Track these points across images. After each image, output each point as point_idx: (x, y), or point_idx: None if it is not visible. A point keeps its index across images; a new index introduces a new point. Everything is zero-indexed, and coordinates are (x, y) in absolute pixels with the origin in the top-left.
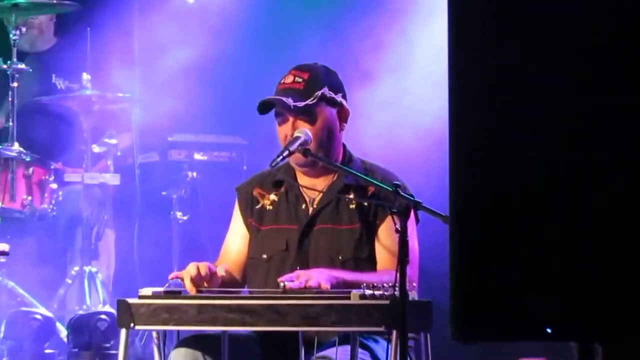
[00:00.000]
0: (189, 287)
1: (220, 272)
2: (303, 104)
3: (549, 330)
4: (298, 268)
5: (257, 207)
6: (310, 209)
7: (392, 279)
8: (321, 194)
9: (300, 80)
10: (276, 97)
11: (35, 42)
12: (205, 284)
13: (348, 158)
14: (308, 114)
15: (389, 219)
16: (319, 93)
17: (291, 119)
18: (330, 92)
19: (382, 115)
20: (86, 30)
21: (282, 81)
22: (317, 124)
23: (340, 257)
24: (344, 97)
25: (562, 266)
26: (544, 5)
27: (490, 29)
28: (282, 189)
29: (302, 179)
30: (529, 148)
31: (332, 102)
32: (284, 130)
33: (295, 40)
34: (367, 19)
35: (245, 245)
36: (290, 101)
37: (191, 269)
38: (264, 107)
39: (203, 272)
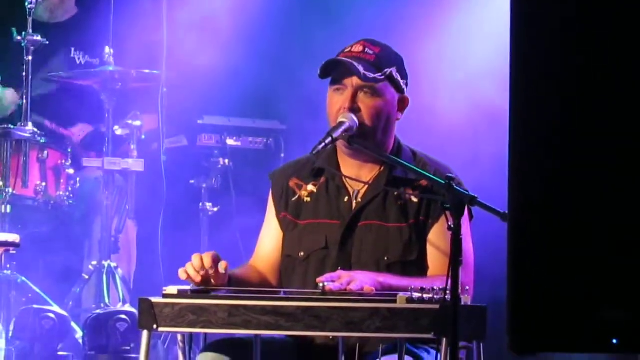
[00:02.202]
0: (193, 274)
1: (221, 268)
2: (373, 75)
3: (614, 342)
4: (339, 269)
5: (294, 199)
6: (354, 203)
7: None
8: (367, 187)
9: (371, 52)
10: (347, 59)
11: (55, 11)
12: (212, 280)
13: (397, 147)
14: (373, 89)
15: (443, 218)
16: (388, 71)
17: (351, 90)
18: (398, 75)
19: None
20: (110, 1)
21: (348, 49)
22: (379, 102)
23: (386, 259)
24: (407, 85)
25: (632, 276)
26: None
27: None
28: (322, 179)
29: (347, 167)
30: (596, 150)
31: (397, 86)
32: (339, 102)
33: (341, 14)
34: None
35: (278, 243)
36: (360, 68)
37: (194, 260)
38: (326, 69)
39: (206, 262)
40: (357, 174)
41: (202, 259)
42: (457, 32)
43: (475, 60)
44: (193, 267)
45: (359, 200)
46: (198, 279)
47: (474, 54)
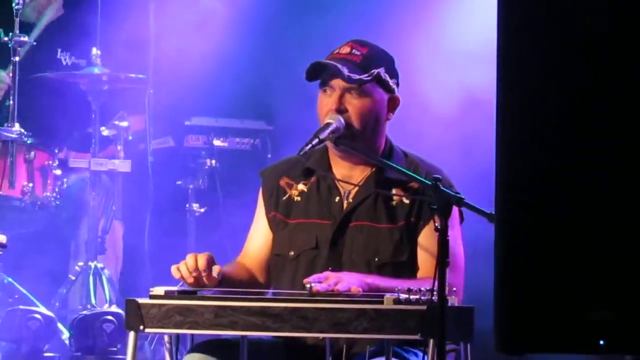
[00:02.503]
0: (186, 274)
1: (214, 273)
2: (358, 77)
3: (602, 343)
4: (330, 269)
5: (284, 198)
6: (345, 203)
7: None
8: (358, 187)
9: (358, 53)
10: (331, 62)
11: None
12: (205, 280)
13: (389, 149)
14: (359, 90)
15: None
16: (375, 71)
17: (338, 92)
18: (386, 75)
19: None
20: (97, 1)
21: (336, 51)
22: (366, 103)
23: (377, 260)
24: (397, 85)
25: (620, 277)
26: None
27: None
28: (313, 179)
29: (338, 168)
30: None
31: (386, 86)
32: (327, 104)
33: (327, 16)
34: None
35: (267, 242)
36: (345, 70)
37: (188, 260)
38: (312, 72)
39: (201, 264)
40: (349, 175)
41: (196, 260)
42: (450, 23)
43: (471, 49)
44: (187, 267)
45: (350, 200)
46: (190, 279)
47: (470, 43)
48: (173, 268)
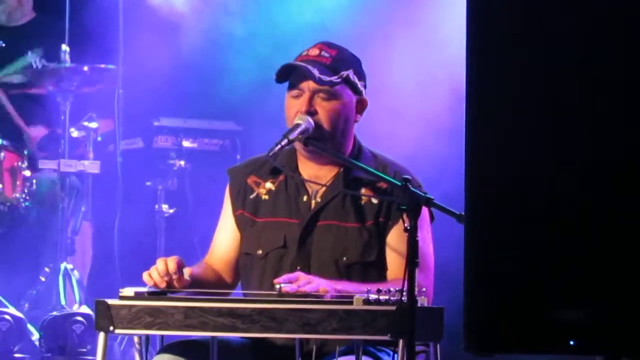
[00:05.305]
0: (158, 280)
1: (186, 275)
2: (328, 79)
3: (572, 343)
4: (298, 268)
5: (252, 196)
6: (313, 202)
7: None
8: (326, 186)
9: (327, 55)
10: (301, 64)
11: (13, 14)
12: (176, 284)
13: (357, 149)
14: (329, 92)
15: (402, 220)
16: (344, 73)
17: (308, 94)
18: (355, 77)
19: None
20: (65, 3)
21: (305, 53)
22: (336, 105)
23: (345, 259)
24: (365, 87)
25: (591, 277)
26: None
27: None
28: (281, 177)
29: (305, 168)
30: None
31: (354, 88)
32: (296, 106)
33: (294, 17)
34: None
35: (233, 241)
36: (315, 72)
37: (158, 264)
38: (282, 74)
39: (171, 267)
40: (316, 175)
41: (166, 264)
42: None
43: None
44: (158, 272)
45: (319, 199)
46: (163, 284)
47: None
48: (145, 275)
